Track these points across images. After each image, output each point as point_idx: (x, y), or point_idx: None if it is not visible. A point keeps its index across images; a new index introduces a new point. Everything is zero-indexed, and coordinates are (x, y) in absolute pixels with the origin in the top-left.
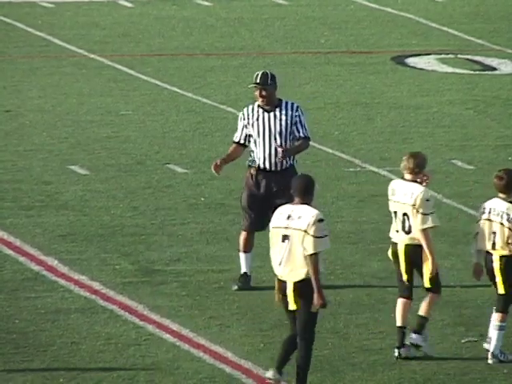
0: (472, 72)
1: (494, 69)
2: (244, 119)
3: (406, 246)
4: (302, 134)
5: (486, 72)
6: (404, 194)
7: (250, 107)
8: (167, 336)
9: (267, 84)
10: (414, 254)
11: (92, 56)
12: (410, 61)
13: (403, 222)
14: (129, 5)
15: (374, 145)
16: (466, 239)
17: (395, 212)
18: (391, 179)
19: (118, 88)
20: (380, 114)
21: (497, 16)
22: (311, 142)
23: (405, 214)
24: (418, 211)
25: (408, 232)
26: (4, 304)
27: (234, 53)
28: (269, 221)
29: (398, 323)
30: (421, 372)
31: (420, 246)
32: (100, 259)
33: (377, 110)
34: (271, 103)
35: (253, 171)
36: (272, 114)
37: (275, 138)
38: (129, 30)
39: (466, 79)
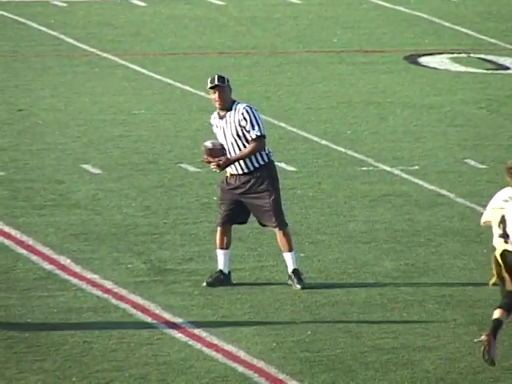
0: (485, 71)
1: (507, 68)
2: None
3: None
4: (250, 136)
5: (499, 71)
6: None
7: (213, 115)
8: (179, 335)
9: (224, 85)
10: None
11: (104, 55)
12: (423, 60)
13: None
14: (141, 4)
15: (387, 144)
16: (479, 239)
17: None
18: (404, 178)
19: (130, 87)
20: (393, 114)
21: (509, 15)
22: (324, 142)
23: None
24: None
25: None
26: (16, 303)
27: (246, 52)
28: (243, 215)
29: None
30: (433, 371)
31: None
32: (112, 258)
33: (389, 110)
34: (226, 107)
35: (227, 174)
36: (224, 120)
37: (232, 147)
38: (141, 29)
39: (478, 78)
